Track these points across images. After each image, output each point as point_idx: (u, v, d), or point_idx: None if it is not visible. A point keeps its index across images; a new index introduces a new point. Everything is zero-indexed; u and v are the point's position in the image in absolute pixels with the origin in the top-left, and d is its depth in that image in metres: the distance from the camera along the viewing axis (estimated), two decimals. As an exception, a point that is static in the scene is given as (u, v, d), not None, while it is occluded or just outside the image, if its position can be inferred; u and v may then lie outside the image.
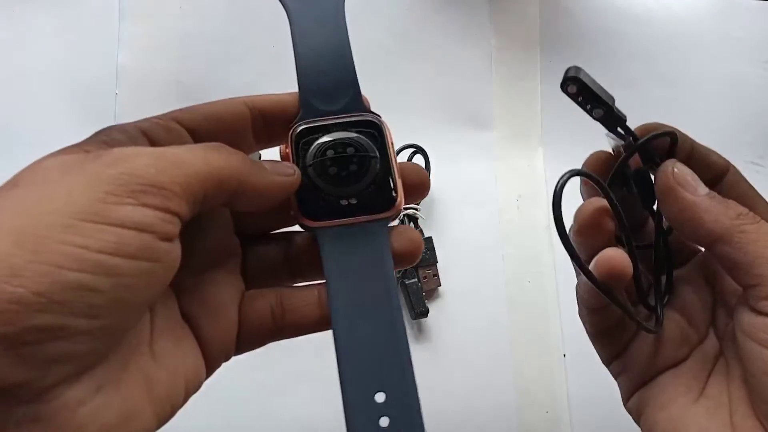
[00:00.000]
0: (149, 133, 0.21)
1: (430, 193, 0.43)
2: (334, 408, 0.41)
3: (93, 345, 0.17)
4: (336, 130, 0.24)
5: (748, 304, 0.23)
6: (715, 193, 0.24)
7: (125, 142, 0.21)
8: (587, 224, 0.25)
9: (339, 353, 0.22)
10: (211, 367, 0.23)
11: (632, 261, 0.23)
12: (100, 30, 0.42)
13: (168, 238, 0.19)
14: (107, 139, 0.21)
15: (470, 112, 0.45)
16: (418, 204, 0.42)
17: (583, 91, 0.23)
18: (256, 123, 0.24)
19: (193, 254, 0.23)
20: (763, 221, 0.23)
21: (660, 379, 0.26)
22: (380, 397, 0.21)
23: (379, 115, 0.25)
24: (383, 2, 0.45)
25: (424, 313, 0.40)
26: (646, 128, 0.25)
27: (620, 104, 0.51)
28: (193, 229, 0.22)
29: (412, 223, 0.41)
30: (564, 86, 0.24)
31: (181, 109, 0.23)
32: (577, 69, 0.23)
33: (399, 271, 0.41)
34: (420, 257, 0.25)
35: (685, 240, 0.26)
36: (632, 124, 0.49)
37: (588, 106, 0.24)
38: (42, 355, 0.16)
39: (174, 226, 0.19)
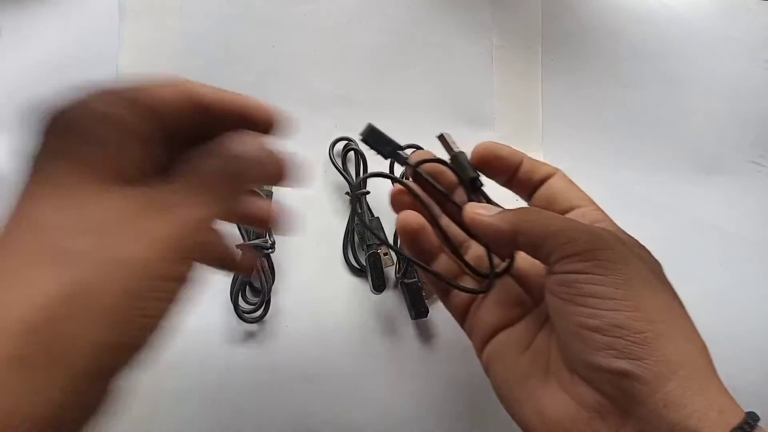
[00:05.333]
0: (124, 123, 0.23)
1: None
2: (334, 408, 0.42)
3: None
4: None
5: (549, 271, 0.28)
6: (505, 209, 0.30)
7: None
8: (392, 201, 0.33)
9: None
10: None
11: (443, 236, 0.33)
12: (100, 30, 0.42)
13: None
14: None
15: (471, 111, 0.45)
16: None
17: (372, 144, 0.33)
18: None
19: None
20: (544, 210, 0.30)
21: (498, 336, 0.31)
22: None
23: None
24: (384, 1, 0.45)
25: (424, 312, 0.40)
26: (482, 150, 0.33)
27: (620, 103, 0.51)
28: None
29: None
30: (361, 139, 0.33)
31: (137, 89, 0.24)
32: (368, 125, 0.32)
33: (399, 270, 0.41)
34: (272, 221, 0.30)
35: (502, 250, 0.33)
36: (631, 122, 0.50)
37: (377, 151, 0.33)
38: None
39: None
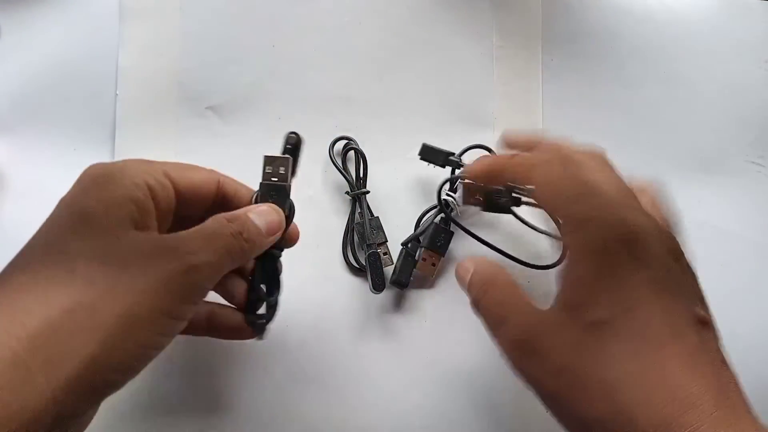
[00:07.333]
0: (153, 190, 0.27)
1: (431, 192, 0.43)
2: (333, 408, 0.42)
3: None
4: None
5: None
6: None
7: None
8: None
9: None
10: None
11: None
12: (100, 30, 0.42)
13: None
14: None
15: (471, 111, 0.45)
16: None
17: (429, 160, 0.41)
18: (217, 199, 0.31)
19: None
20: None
21: None
22: None
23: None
24: (384, 1, 0.45)
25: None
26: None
27: (620, 103, 0.51)
28: None
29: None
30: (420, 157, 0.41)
31: (174, 166, 0.29)
32: (423, 144, 0.42)
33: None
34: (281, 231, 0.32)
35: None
36: (631, 123, 0.49)
37: (434, 164, 0.42)
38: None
39: None
